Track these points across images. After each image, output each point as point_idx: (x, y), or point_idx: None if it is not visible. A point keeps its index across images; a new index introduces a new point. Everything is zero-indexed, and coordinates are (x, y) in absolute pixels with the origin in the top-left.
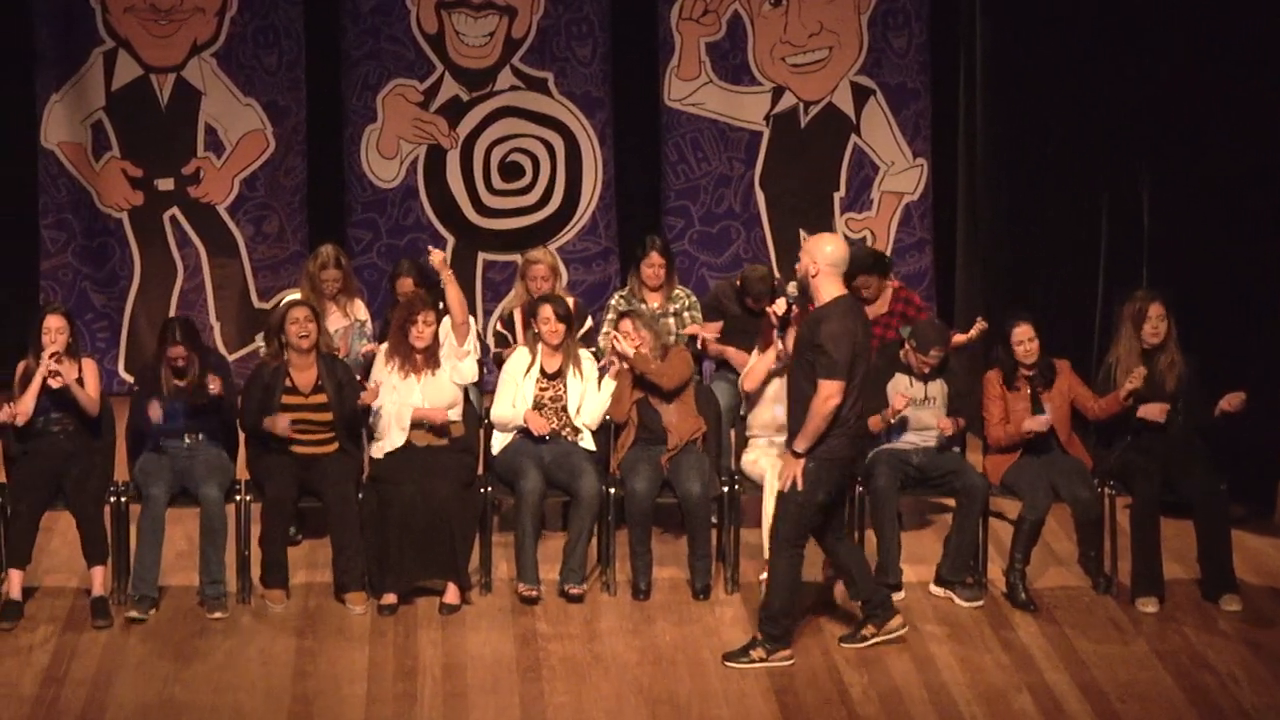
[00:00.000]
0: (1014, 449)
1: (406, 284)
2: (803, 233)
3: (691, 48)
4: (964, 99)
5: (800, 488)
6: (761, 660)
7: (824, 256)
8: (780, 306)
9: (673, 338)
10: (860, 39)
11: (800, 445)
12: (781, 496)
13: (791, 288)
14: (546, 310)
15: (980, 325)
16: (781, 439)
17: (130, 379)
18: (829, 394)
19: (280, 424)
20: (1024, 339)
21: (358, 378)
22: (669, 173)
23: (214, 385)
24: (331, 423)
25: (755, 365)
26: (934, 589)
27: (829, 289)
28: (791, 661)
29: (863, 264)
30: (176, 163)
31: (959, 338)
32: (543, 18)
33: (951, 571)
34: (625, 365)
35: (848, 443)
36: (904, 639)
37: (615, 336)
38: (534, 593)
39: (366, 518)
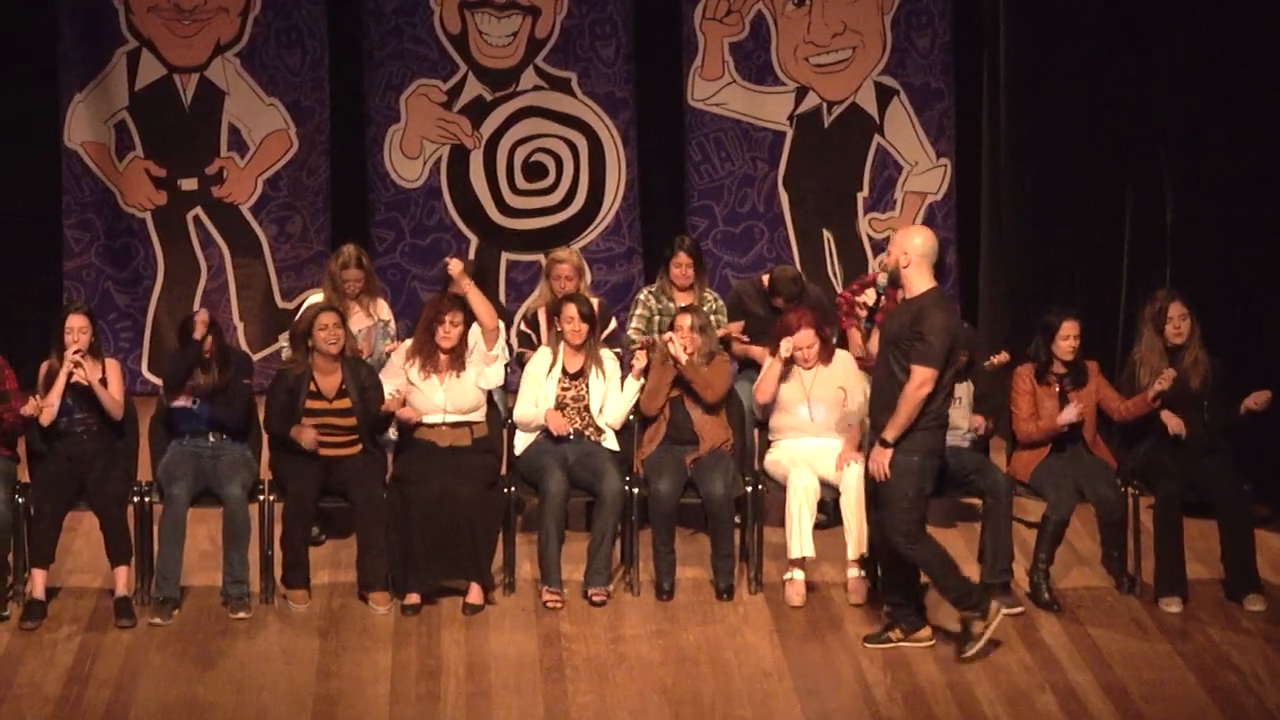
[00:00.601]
0: (1042, 444)
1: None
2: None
3: (715, 48)
4: (987, 99)
5: (896, 482)
6: (983, 632)
7: (915, 248)
8: (870, 298)
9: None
10: (883, 39)
11: (891, 434)
12: (886, 500)
13: (882, 279)
14: (570, 309)
15: (1002, 358)
16: (809, 440)
17: (155, 379)
18: (924, 380)
19: (306, 438)
20: (1070, 334)
21: (380, 378)
22: (692, 173)
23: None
24: (355, 427)
25: (766, 375)
26: None
27: (921, 280)
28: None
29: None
30: (200, 163)
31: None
32: (566, 18)
33: (991, 575)
34: (669, 362)
35: (941, 435)
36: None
37: (670, 338)
38: (558, 602)
39: (390, 518)
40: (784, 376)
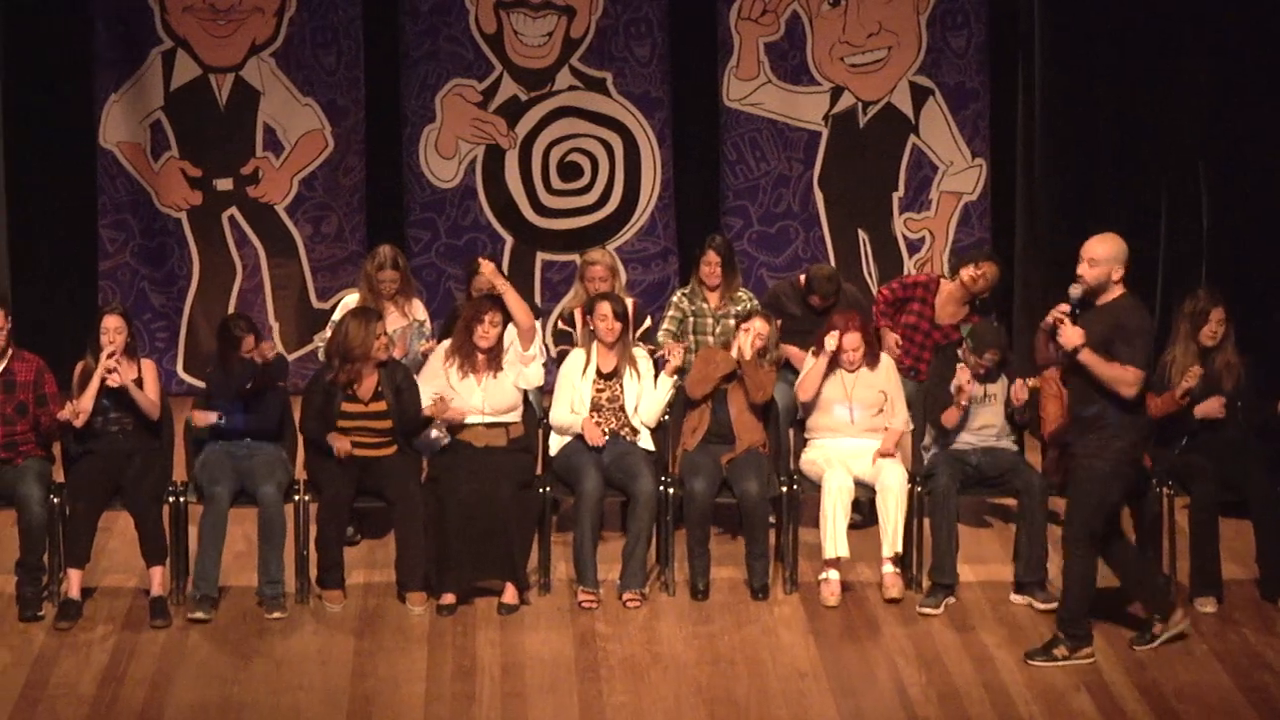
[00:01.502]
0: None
1: (485, 283)
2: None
3: (750, 48)
4: (1023, 99)
5: (1082, 485)
6: (1065, 658)
7: (1119, 257)
8: (1064, 309)
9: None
10: (919, 39)
11: (1085, 354)
12: (1071, 498)
13: (1075, 290)
14: (604, 308)
15: (1032, 385)
16: (845, 440)
17: (191, 380)
18: (1135, 380)
19: (340, 447)
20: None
21: (415, 378)
22: (728, 173)
23: (268, 351)
24: (390, 429)
25: (809, 373)
26: (1014, 598)
27: (1118, 286)
28: (1092, 659)
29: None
30: (235, 162)
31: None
32: (601, 18)
33: (1027, 573)
34: (733, 353)
35: (1141, 445)
36: (1186, 634)
37: (747, 328)
38: (594, 602)
39: (425, 518)
40: (827, 374)
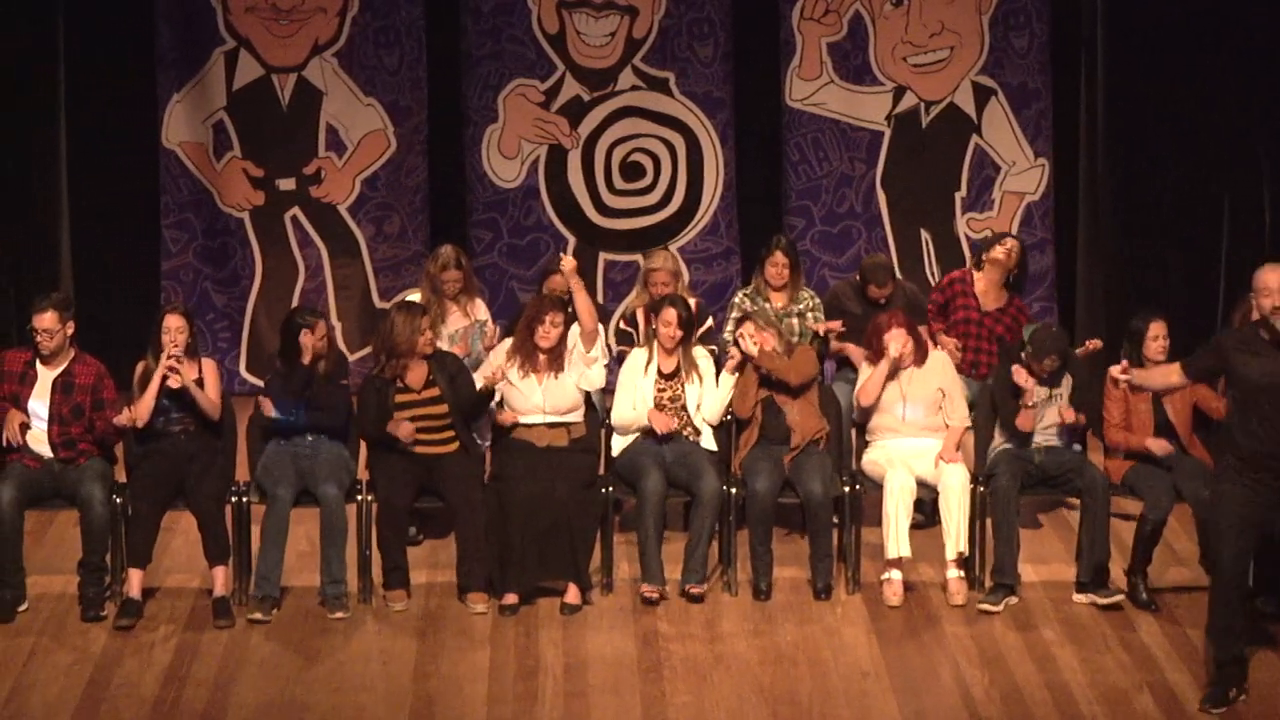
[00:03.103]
0: (1129, 456)
1: (558, 282)
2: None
3: (813, 48)
4: (1085, 98)
5: (1214, 510)
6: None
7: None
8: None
9: (796, 338)
10: (981, 39)
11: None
12: (1210, 524)
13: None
14: (670, 313)
15: (1094, 345)
16: (906, 440)
17: (253, 379)
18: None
19: (404, 430)
20: (1158, 334)
21: (474, 374)
22: (790, 173)
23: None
24: (448, 415)
25: (869, 380)
26: (1077, 598)
27: None
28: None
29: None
30: (297, 162)
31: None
32: (664, 17)
33: (1086, 573)
34: (751, 365)
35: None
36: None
37: (741, 334)
38: (656, 593)
39: (488, 518)
40: (889, 378)
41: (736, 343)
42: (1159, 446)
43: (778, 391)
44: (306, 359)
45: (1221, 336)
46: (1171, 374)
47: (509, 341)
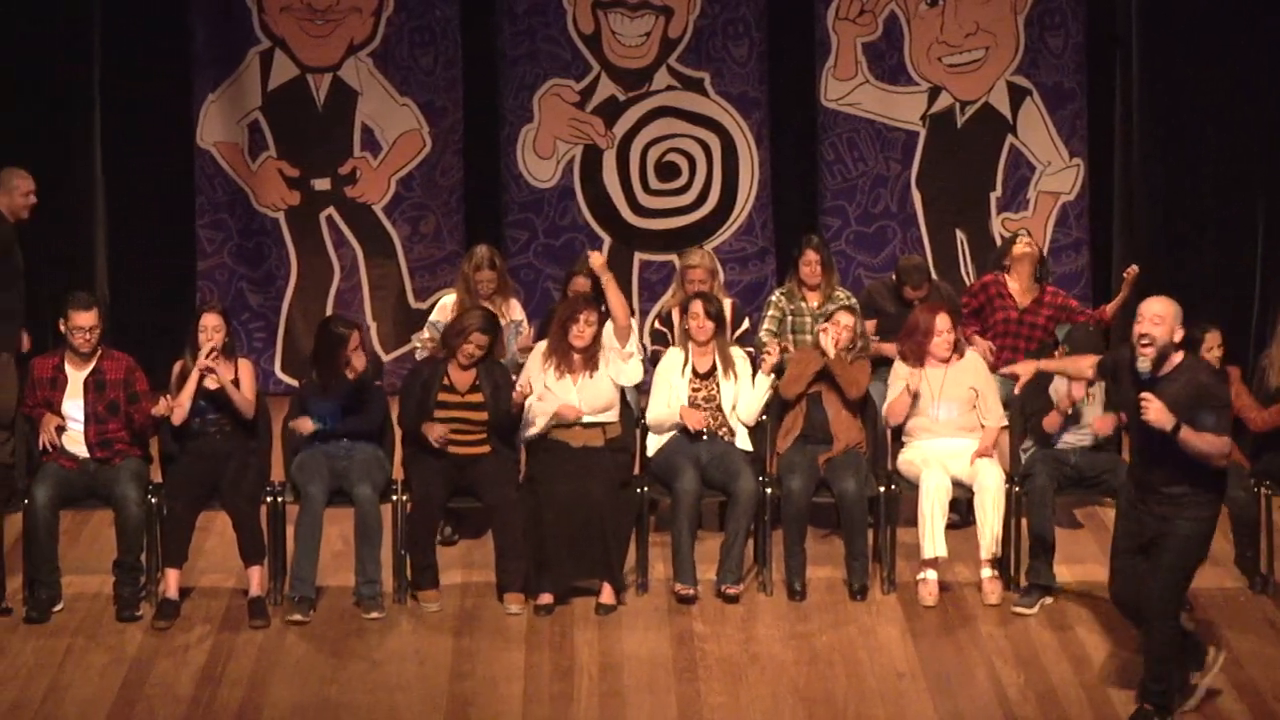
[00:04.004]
0: None
1: (582, 284)
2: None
3: (848, 48)
4: (1120, 98)
5: (1186, 550)
6: None
7: (1178, 317)
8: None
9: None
10: (1017, 39)
11: (1185, 432)
12: (1169, 565)
13: (1144, 365)
14: (697, 306)
15: (1132, 271)
16: (941, 440)
17: (288, 379)
18: (1228, 450)
19: (436, 433)
20: (1213, 345)
21: (513, 378)
22: (825, 173)
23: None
24: (485, 423)
25: (896, 403)
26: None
27: (1179, 350)
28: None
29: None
30: (333, 162)
31: (1112, 305)
32: (699, 18)
33: None
34: (817, 351)
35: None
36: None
37: (825, 328)
38: (690, 592)
39: (523, 519)
40: (914, 393)
41: (820, 333)
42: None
43: (828, 390)
44: (353, 375)
45: (1122, 347)
46: (1085, 366)
47: (543, 345)
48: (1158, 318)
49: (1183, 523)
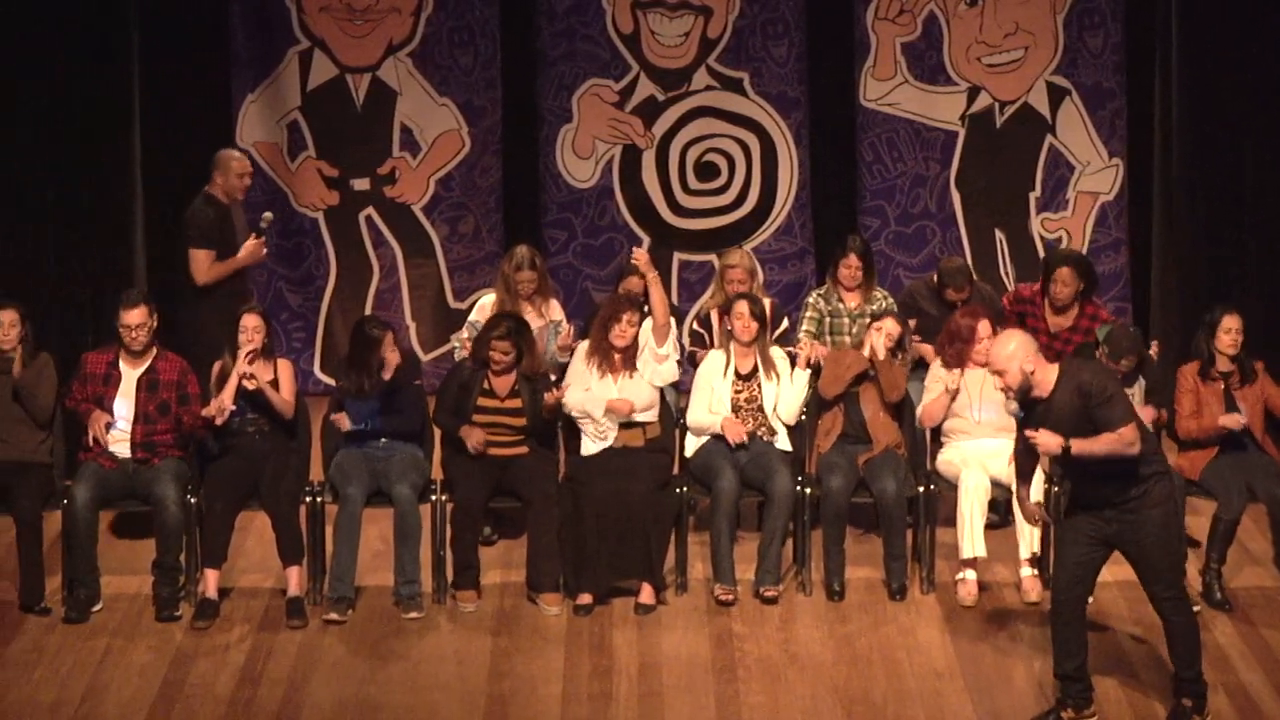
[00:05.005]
0: (1207, 445)
1: (635, 283)
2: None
3: (887, 48)
4: (1160, 98)
5: (1159, 542)
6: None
7: (1022, 353)
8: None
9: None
10: (1056, 39)
11: (1076, 447)
12: (1156, 563)
13: (1012, 406)
14: (742, 305)
15: (1155, 348)
16: (980, 440)
17: (327, 379)
18: (1134, 436)
19: (474, 439)
20: (1231, 328)
21: (552, 378)
22: (865, 173)
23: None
24: (524, 427)
25: (933, 405)
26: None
27: (1048, 372)
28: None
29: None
30: (372, 163)
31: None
32: (738, 18)
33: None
34: (865, 353)
35: (1170, 481)
36: None
37: (879, 327)
38: (730, 596)
39: (562, 518)
40: (953, 394)
41: (870, 335)
42: (1232, 420)
43: (867, 391)
44: (389, 374)
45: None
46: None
47: (585, 345)
48: (997, 367)
49: (1145, 515)
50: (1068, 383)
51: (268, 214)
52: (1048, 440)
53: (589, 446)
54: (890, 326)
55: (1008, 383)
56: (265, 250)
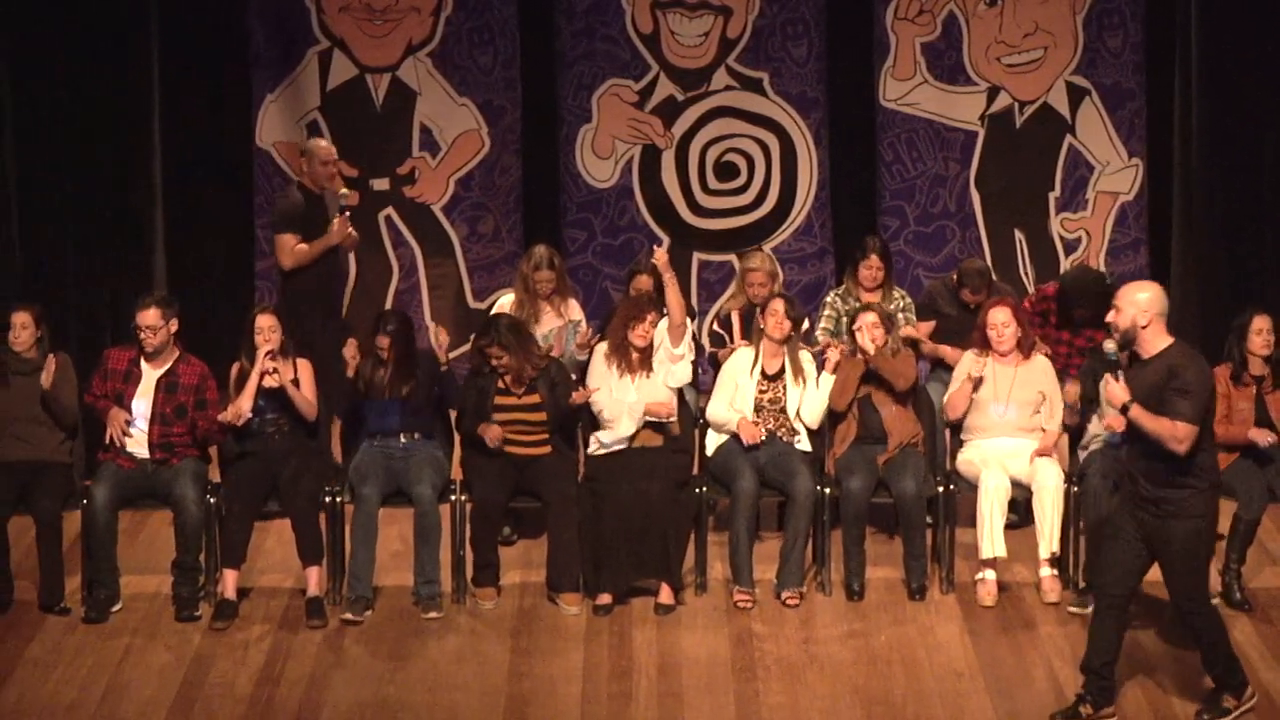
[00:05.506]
0: (1230, 449)
1: (645, 282)
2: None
3: (907, 47)
4: (1180, 98)
5: (1185, 547)
6: (1236, 708)
7: (1150, 304)
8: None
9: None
10: (1075, 39)
11: (1135, 410)
12: (1174, 566)
13: (1110, 345)
14: (778, 304)
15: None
16: (1001, 440)
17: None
18: (1186, 435)
19: (492, 434)
20: (1262, 328)
21: (573, 377)
22: (884, 173)
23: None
24: (545, 423)
25: (955, 396)
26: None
27: (1160, 337)
28: (1255, 698)
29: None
30: (391, 162)
31: None
32: (758, 18)
33: None
34: (859, 356)
35: (1216, 496)
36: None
37: (860, 327)
38: (748, 602)
39: (582, 518)
40: (976, 390)
41: (853, 335)
42: (1261, 436)
43: (877, 390)
44: (350, 372)
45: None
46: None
47: (605, 345)
48: (1118, 305)
49: (1177, 525)
50: (1168, 358)
51: (345, 191)
52: (1116, 390)
53: (603, 437)
54: (867, 320)
55: (1117, 320)
56: (352, 229)
